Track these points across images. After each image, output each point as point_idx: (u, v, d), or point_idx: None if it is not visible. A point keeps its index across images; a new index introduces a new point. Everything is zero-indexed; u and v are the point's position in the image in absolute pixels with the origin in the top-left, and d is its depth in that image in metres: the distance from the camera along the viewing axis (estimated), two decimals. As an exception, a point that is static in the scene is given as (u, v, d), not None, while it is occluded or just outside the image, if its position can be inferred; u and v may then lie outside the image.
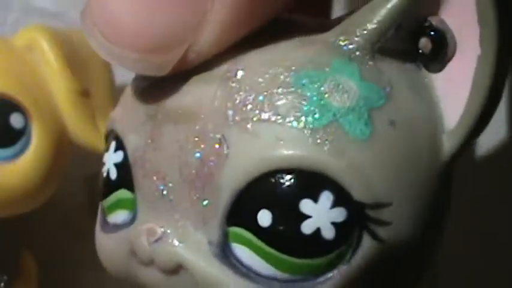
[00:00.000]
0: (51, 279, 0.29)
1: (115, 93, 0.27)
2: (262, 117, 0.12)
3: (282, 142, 0.12)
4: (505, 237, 0.26)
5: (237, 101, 0.13)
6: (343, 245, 0.12)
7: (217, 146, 0.12)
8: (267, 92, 0.12)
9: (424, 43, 0.13)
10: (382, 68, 0.13)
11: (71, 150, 0.25)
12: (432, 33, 0.13)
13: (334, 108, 0.12)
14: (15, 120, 0.23)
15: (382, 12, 0.13)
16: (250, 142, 0.12)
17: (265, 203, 0.12)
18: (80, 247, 0.31)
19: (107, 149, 0.15)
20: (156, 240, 0.13)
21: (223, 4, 0.13)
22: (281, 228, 0.12)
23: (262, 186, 0.12)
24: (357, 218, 0.12)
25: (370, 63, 0.13)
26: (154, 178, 0.13)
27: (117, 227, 0.14)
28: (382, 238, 0.12)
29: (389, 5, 0.13)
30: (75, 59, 0.25)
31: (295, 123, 0.12)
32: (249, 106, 0.12)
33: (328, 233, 0.12)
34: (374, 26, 0.13)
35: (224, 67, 0.13)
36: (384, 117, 0.12)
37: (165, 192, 0.13)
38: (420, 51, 0.13)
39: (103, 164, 0.15)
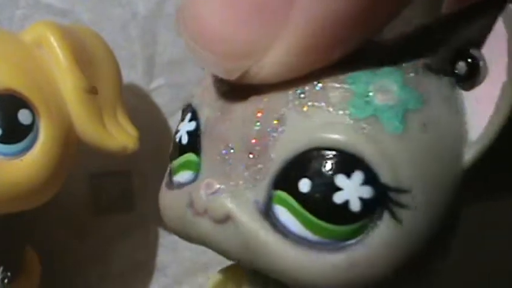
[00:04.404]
0: (54, 276, 0.29)
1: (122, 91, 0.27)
2: (316, 104, 0.15)
3: (329, 126, 0.15)
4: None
5: (298, 90, 0.15)
6: (366, 218, 0.15)
7: (275, 122, 0.15)
8: (323, 84, 0.15)
9: (461, 66, 0.15)
10: (423, 79, 0.15)
11: (77, 147, 0.25)
12: (469, 59, 0.15)
13: (376, 104, 0.15)
14: (23, 117, 0.23)
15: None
16: (304, 122, 0.15)
17: (306, 173, 0.15)
18: (82, 244, 0.31)
19: (182, 120, 0.17)
20: (212, 193, 0.16)
21: (295, 29, 0.14)
22: (317, 195, 0.15)
23: (307, 159, 0.15)
24: (381, 197, 0.15)
25: (412, 74, 0.15)
26: (220, 145, 0.16)
27: (181, 185, 0.17)
28: (399, 219, 0.15)
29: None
30: (83, 56, 0.25)
31: (341, 112, 0.15)
32: (307, 93, 0.15)
33: (355, 206, 0.15)
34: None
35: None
36: (417, 119, 0.15)
37: (226, 157, 0.16)
38: (456, 71, 0.15)
39: (177, 131, 0.17)
